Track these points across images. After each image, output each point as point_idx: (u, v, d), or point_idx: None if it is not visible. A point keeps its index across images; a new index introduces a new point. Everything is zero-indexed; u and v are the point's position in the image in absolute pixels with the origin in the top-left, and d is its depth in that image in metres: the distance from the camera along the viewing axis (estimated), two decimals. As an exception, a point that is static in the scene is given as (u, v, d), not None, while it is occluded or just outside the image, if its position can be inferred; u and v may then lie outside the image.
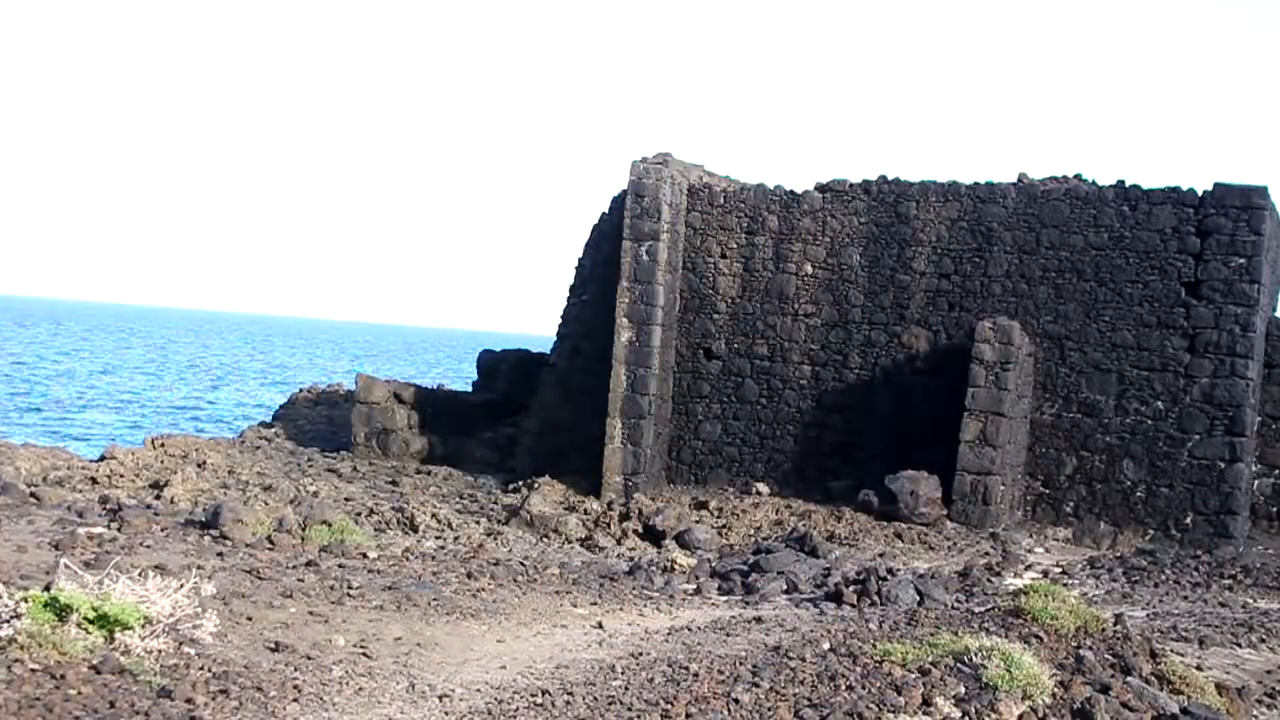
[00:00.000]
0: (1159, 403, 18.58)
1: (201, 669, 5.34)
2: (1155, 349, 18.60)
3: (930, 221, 19.79)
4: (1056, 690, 5.94)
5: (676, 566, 13.42)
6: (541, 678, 6.12)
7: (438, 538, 14.86)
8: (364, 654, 6.28)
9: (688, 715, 5.35)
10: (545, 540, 16.01)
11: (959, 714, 5.57)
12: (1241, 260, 18.26)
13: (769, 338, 20.57)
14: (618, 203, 20.98)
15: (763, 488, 19.97)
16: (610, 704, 5.56)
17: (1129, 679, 6.29)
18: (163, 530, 9.86)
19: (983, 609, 8.52)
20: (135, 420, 43.21)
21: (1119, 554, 17.00)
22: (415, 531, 15.18)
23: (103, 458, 18.52)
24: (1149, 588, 13.58)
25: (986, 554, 16.14)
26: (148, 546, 8.69)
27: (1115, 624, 7.91)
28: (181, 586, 5.92)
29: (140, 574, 6.16)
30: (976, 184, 19.75)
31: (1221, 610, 11.83)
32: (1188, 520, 18.30)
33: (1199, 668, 8.27)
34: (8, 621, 5.14)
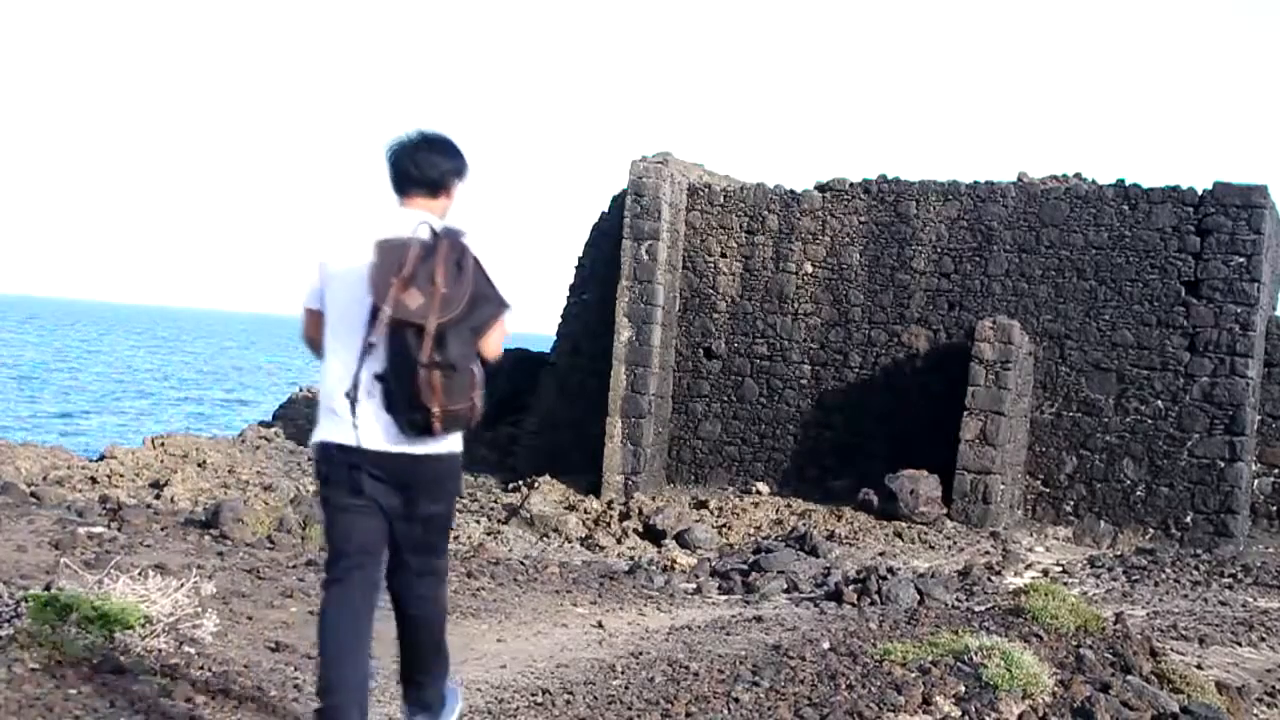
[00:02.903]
0: (1159, 402, 18.59)
1: (201, 668, 5.34)
2: (1155, 348, 18.61)
3: (930, 221, 19.80)
4: (1057, 689, 5.94)
5: (676, 566, 13.42)
6: (542, 677, 6.12)
7: (438, 537, 14.85)
8: (364, 653, 6.27)
9: (688, 714, 5.35)
10: (545, 539, 16.02)
11: (959, 713, 5.57)
12: (1241, 259, 18.27)
13: (769, 337, 20.58)
14: (618, 202, 20.99)
15: (763, 487, 19.97)
16: (610, 703, 5.56)
17: (1129, 678, 6.29)
18: (163, 530, 9.86)
19: (983, 608, 8.52)
20: (136, 420, 43.25)
21: (1119, 553, 17.01)
22: (415, 531, 15.17)
23: (102, 457, 18.51)
24: (1149, 586, 13.57)
25: (987, 553, 16.14)
26: (148, 546, 8.69)
27: (1115, 623, 7.91)
28: (181, 586, 5.92)
29: (140, 573, 6.16)
30: (976, 183, 19.76)
31: (1221, 609, 11.82)
32: (1188, 519, 18.30)
33: (1199, 666, 8.27)
34: (8, 621, 5.14)
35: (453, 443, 4.23)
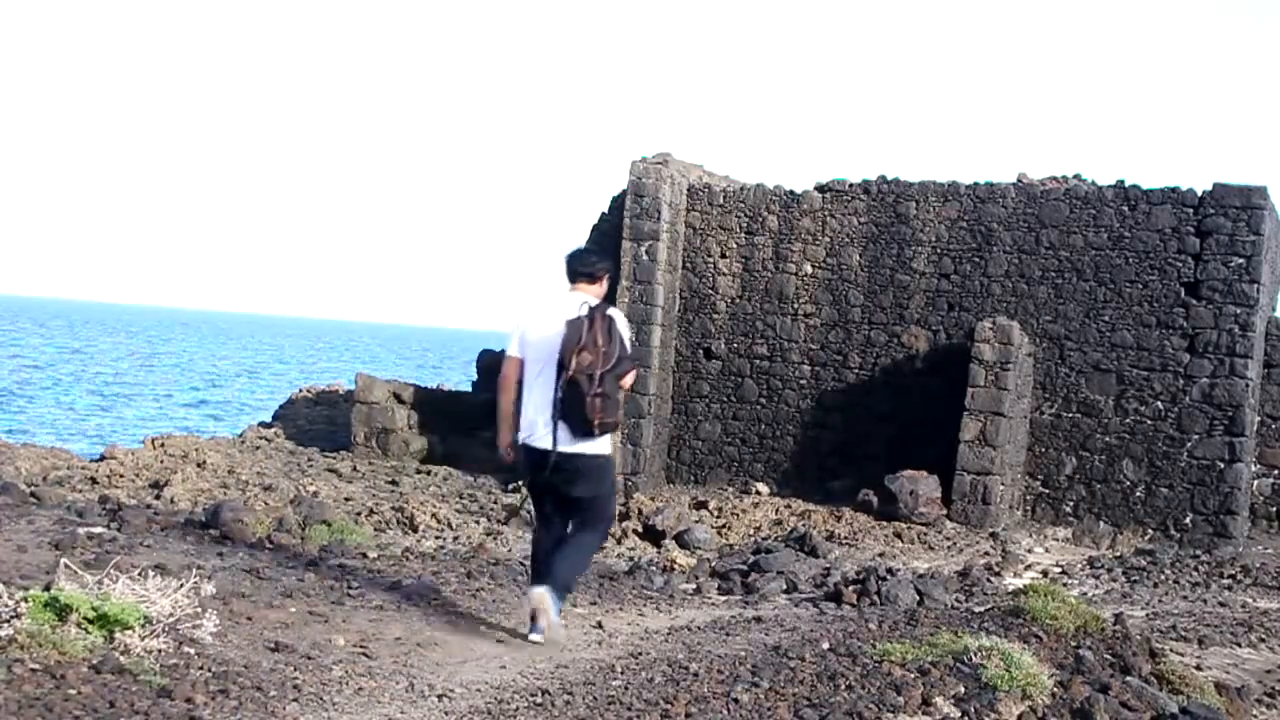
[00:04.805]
0: (1159, 403, 18.60)
1: (201, 669, 5.34)
2: (1155, 349, 18.62)
3: (930, 221, 19.80)
4: (1056, 690, 5.95)
5: (676, 566, 13.42)
6: (541, 677, 6.12)
7: (438, 538, 14.86)
8: (364, 654, 6.28)
9: (687, 715, 5.36)
10: (545, 540, 15.97)
11: (958, 714, 5.58)
12: (1241, 260, 18.28)
13: (769, 338, 20.58)
14: (618, 203, 20.99)
15: (762, 488, 19.97)
16: (610, 704, 5.56)
17: (1128, 679, 6.30)
18: (163, 530, 9.85)
19: (982, 609, 8.53)
20: (139, 420, 43.25)
21: (1118, 554, 17.01)
22: (415, 531, 15.18)
23: (102, 458, 18.52)
24: (1148, 587, 13.58)
25: (986, 554, 16.15)
26: (148, 546, 8.68)
27: (1115, 624, 7.92)
28: (181, 586, 5.92)
29: (140, 574, 6.16)
30: (976, 184, 19.77)
31: (1221, 610, 11.83)
32: (1187, 520, 18.31)
33: (1198, 667, 8.28)
34: (8, 621, 5.14)
35: (606, 446, 6.81)
